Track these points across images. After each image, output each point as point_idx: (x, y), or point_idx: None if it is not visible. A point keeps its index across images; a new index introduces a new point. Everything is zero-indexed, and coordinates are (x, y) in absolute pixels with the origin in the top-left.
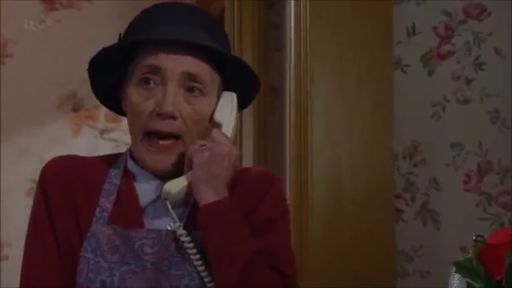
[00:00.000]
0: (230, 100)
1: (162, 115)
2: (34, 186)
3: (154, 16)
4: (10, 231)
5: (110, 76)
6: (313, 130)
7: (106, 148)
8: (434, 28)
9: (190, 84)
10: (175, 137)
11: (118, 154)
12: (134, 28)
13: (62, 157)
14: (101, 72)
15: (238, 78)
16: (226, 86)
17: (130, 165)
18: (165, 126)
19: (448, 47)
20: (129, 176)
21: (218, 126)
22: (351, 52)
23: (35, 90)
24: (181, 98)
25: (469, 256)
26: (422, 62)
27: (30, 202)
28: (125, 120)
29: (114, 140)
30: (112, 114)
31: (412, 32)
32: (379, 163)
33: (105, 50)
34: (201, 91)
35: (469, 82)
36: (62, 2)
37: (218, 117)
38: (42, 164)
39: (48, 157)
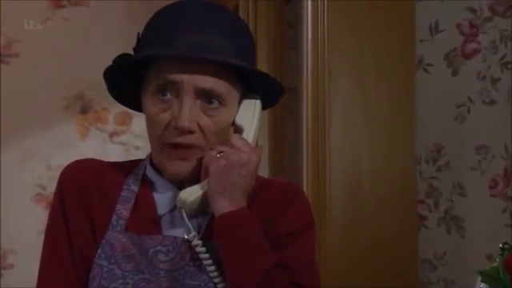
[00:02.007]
0: (252, 104)
1: (178, 129)
2: (40, 191)
3: (171, 21)
4: (14, 239)
5: (126, 80)
6: (331, 132)
7: (115, 152)
8: (458, 25)
9: (207, 97)
10: (194, 147)
11: (138, 160)
12: (151, 33)
13: (79, 160)
14: (116, 77)
15: (261, 85)
16: (250, 90)
17: (150, 172)
18: (183, 139)
19: (473, 46)
20: (147, 183)
21: (240, 130)
22: (371, 51)
23: (41, 91)
24: (198, 110)
25: (495, 264)
26: (446, 61)
27: (35, 207)
28: (135, 123)
29: (123, 143)
30: (121, 116)
31: (435, 30)
32: (400, 167)
33: (120, 61)
34: (219, 102)
35: (495, 81)
36: None
37: (239, 121)
38: (48, 168)
39: (54, 161)
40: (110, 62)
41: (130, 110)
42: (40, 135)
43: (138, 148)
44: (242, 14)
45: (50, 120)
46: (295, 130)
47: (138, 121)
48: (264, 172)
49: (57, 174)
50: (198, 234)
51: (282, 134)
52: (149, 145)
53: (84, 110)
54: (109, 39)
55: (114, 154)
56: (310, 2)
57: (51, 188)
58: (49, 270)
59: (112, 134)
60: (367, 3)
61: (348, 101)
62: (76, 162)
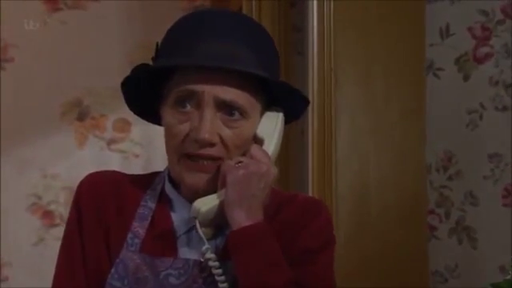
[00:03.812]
0: (275, 117)
1: (199, 142)
2: (36, 201)
3: (193, 30)
4: (10, 250)
5: (145, 91)
6: (337, 139)
7: (113, 160)
8: (470, 29)
9: (228, 109)
10: (215, 158)
11: (155, 174)
12: (171, 42)
13: (99, 172)
14: (134, 88)
15: (285, 96)
16: (274, 102)
17: (168, 189)
18: (204, 150)
19: (485, 49)
20: (165, 201)
21: (260, 141)
22: (379, 55)
23: (37, 97)
24: (219, 122)
25: (508, 277)
26: (457, 66)
27: (30, 218)
28: (134, 130)
29: (122, 151)
30: (120, 123)
31: (446, 33)
32: (410, 176)
33: (138, 71)
34: (241, 114)
35: (508, 87)
36: (66, 2)
37: (260, 132)
38: (44, 177)
39: (51, 170)
40: (108, 67)
41: (129, 117)
42: (36, 144)
43: (137, 156)
44: None
45: (47, 127)
46: (300, 138)
47: (138, 128)
48: None
49: (52, 183)
50: (215, 253)
51: (287, 142)
52: (148, 153)
53: (81, 117)
54: (107, 43)
55: (112, 162)
56: (315, 5)
57: (47, 197)
58: (62, 283)
59: (110, 142)
60: (375, 6)
61: (355, 107)
62: (95, 173)
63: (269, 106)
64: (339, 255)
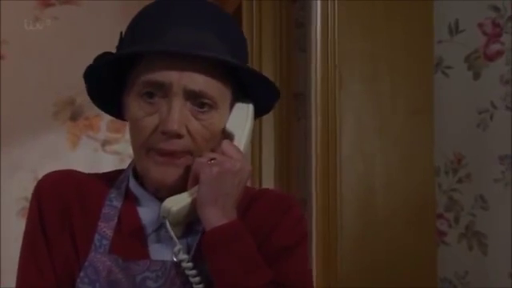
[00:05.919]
0: (245, 109)
1: (166, 134)
2: (27, 205)
3: (158, 17)
4: (2, 256)
5: (108, 81)
6: (342, 140)
7: (108, 162)
8: (480, 25)
9: (197, 99)
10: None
11: (119, 171)
12: (136, 31)
13: (58, 171)
14: (98, 78)
15: (255, 86)
16: (244, 92)
17: (133, 186)
18: (170, 144)
19: (496, 47)
20: (131, 198)
21: (230, 136)
22: (385, 52)
23: (29, 96)
24: (187, 113)
25: None
26: (467, 64)
27: (21, 223)
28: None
29: (117, 153)
30: (115, 123)
31: (455, 29)
32: (418, 179)
33: (101, 60)
34: (210, 105)
35: None
36: None
37: (230, 127)
38: (36, 180)
39: (43, 172)
40: None
41: None
42: (27, 144)
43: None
44: (245, 12)
45: (38, 128)
46: (303, 139)
47: None
48: (270, 184)
49: None
50: (188, 254)
51: (289, 143)
52: None
53: (74, 117)
54: (102, 40)
55: (106, 164)
56: (319, 0)
57: None
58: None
59: (104, 143)
60: (381, 1)
61: (360, 107)
62: (54, 172)
63: (237, 98)
64: (343, 260)
